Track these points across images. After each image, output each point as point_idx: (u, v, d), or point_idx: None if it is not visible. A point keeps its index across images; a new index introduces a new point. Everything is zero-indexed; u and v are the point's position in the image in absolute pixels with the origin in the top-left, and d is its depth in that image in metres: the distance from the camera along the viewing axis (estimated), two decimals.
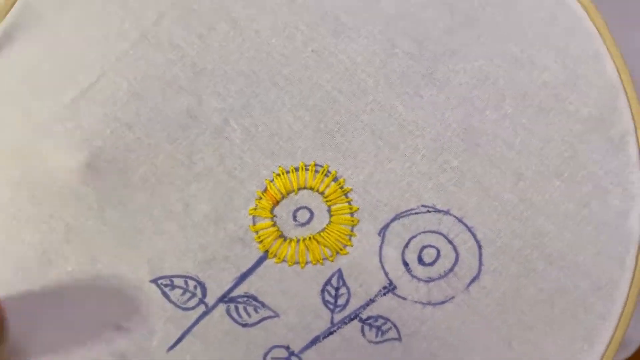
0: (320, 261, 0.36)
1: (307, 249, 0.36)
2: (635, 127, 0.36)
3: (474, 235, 0.36)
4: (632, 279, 0.36)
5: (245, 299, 0.36)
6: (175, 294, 0.36)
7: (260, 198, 0.36)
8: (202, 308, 0.36)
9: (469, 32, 0.36)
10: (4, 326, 0.35)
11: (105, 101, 0.36)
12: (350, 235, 0.36)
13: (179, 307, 0.36)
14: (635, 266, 0.36)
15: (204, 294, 0.36)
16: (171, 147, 0.36)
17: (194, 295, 0.36)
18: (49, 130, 0.37)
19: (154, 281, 0.36)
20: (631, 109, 0.36)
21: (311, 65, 0.36)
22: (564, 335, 0.36)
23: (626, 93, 0.37)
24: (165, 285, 0.36)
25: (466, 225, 0.36)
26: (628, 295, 0.36)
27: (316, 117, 0.36)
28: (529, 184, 0.36)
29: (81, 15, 0.37)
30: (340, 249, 0.36)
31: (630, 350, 0.42)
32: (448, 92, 0.36)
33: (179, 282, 0.36)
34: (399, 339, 0.36)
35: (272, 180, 0.36)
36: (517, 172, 0.36)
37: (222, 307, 0.36)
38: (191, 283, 0.36)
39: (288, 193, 0.36)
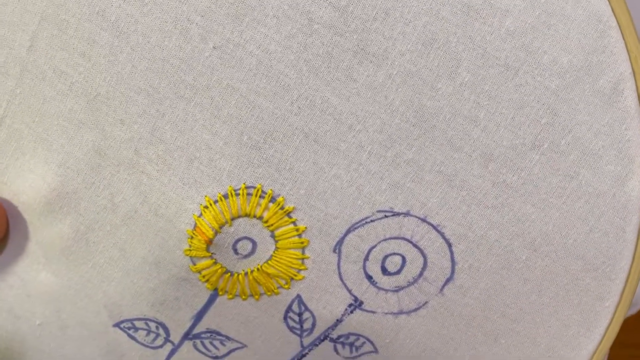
0: (276, 291, 0.21)
1: (258, 282, 0.20)
2: (633, 70, 0.17)
3: (442, 234, 0.20)
4: (635, 252, 0.19)
5: (208, 334, 0.22)
6: (140, 335, 0.23)
7: (192, 237, 0.20)
8: (169, 346, 0.23)
9: None
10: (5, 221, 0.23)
11: (15, 152, 0.22)
12: (303, 259, 0.20)
13: (147, 346, 0.22)
14: (638, 237, 0.19)
15: (168, 333, 0.22)
16: (89, 192, 0.20)
17: (157, 335, 0.23)
18: None
19: (117, 325, 0.23)
20: (627, 47, 0.17)
21: (217, 65, 0.19)
22: (556, 322, 0.21)
23: (619, 25, 0.17)
24: (129, 328, 0.23)
25: (431, 224, 0.20)
26: (630, 270, 0.19)
27: (236, 128, 0.19)
28: (502, 164, 0.19)
29: None
30: (295, 275, 0.21)
31: (634, 309, 0.26)
32: (388, 68, 0.18)
33: (140, 324, 0.23)
34: (375, 351, 0.22)
35: (200, 215, 0.19)
36: (485, 152, 0.19)
37: (188, 343, 0.23)
38: (152, 324, 0.23)
39: (221, 226, 0.20)
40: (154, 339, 0.24)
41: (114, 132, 0.21)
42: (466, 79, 0.20)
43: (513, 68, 0.20)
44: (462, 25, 0.20)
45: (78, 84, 0.21)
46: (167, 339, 0.24)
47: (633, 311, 0.28)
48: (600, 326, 0.22)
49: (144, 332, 0.24)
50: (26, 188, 0.22)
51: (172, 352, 0.24)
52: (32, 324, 0.25)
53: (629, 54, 0.20)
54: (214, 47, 0.20)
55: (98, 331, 0.24)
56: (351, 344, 0.23)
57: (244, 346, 0.24)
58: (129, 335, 0.24)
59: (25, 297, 0.24)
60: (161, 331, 0.24)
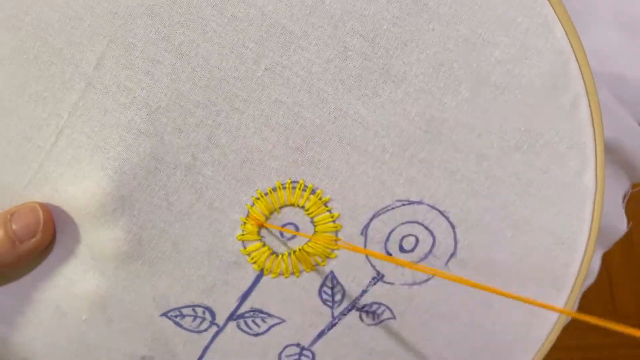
0: (313, 268, 0.26)
1: (299, 261, 0.25)
2: (587, 90, 0.24)
3: (447, 218, 0.26)
4: (590, 229, 0.26)
5: (251, 313, 0.26)
6: (186, 322, 0.26)
7: (245, 223, 0.24)
8: (214, 328, 0.26)
9: (417, 19, 0.24)
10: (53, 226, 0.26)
11: (71, 161, 0.23)
12: (336, 240, 0.25)
13: (192, 331, 0.25)
14: (592, 218, 0.26)
15: (213, 317, 0.26)
16: (144, 194, 0.23)
17: (204, 319, 0.26)
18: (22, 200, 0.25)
19: (164, 314, 0.26)
20: (582, 73, 0.24)
21: (267, 83, 0.23)
22: (535, 286, 0.27)
23: (576, 57, 0.24)
24: (176, 316, 0.26)
25: (439, 211, 0.26)
26: (588, 241, 0.26)
27: (283, 134, 0.24)
28: (492, 162, 0.25)
29: (15, 72, 0.24)
30: (330, 254, 0.25)
31: (592, 279, 0.33)
32: (406, 86, 0.24)
33: (187, 311, 0.26)
34: (394, 317, 0.27)
35: (252, 205, 0.24)
36: (480, 153, 0.25)
37: (232, 324, 0.26)
38: (199, 310, 0.26)
39: (271, 213, 0.25)
40: (200, 324, 0.28)
41: (172, 140, 0.25)
42: (466, 96, 0.26)
43: (501, 87, 0.26)
44: (462, 54, 0.26)
45: (140, 98, 0.25)
46: (212, 322, 0.28)
47: (591, 280, 0.35)
48: (567, 287, 0.29)
49: (191, 318, 0.28)
50: (79, 194, 0.25)
51: (217, 334, 0.28)
52: (78, 319, 0.27)
53: (583, 78, 0.26)
54: (265, 69, 0.25)
55: (144, 323, 0.27)
56: (374, 312, 0.28)
57: (283, 321, 0.28)
58: (176, 323, 0.28)
59: (71, 295, 0.26)
60: (207, 315, 0.28)
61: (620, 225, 0.34)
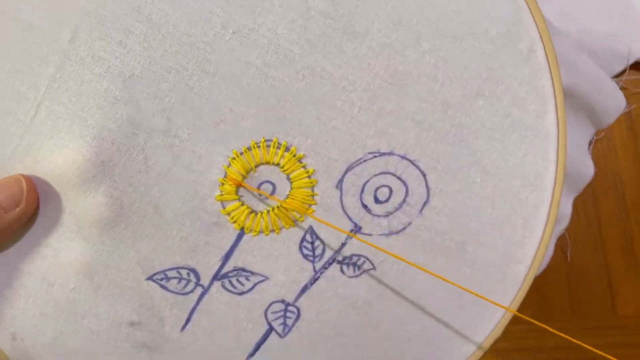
0: (292, 224, 0.27)
1: (278, 217, 0.26)
2: (541, 36, 0.26)
3: (418, 167, 0.27)
4: (556, 169, 0.27)
5: (235, 272, 0.27)
6: (172, 284, 0.26)
7: (223, 184, 0.25)
8: (199, 289, 0.27)
9: None
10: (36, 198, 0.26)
11: (51, 131, 0.24)
12: (313, 195, 0.26)
13: (178, 293, 0.26)
14: (557, 159, 0.27)
15: (198, 278, 0.26)
16: (123, 159, 0.24)
17: (189, 281, 0.26)
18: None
19: (150, 278, 0.26)
20: (534, 20, 0.26)
21: (236, 46, 0.25)
22: (508, 229, 0.28)
23: (528, 5, 0.26)
24: (161, 279, 0.26)
25: (409, 160, 0.27)
26: (555, 182, 0.27)
27: (254, 94, 0.25)
28: (457, 110, 0.26)
29: None
30: (307, 209, 0.26)
31: (565, 223, 0.34)
32: (369, 41, 0.25)
33: (172, 273, 0.26)
34: (374, 268, 0.28)
35: (229, 165, 0.25)
36: (444, 101, 0.26)
37: (217, 284, 0.27)
38: (183, 272, 0.26)
39: (247, 172, 0.26)
40: (185, 285, 0.29)
41: (148, 105, 0.26)
42: (426, 48, 0.27)
43: (458, 38, 0.28)
44: (419, 8, 0.27)
45: (114, 67, 0.26)
46: (197, 284, 0.29)
47: (564, 224, 0.36)
48: (538, 227, 0.30)
49: (176, 281, 0.29)
50: (60, 163, 0.26)
51: (202, 295, 0.29)
52: (66, 289, 0.28)
53: (537, 25, 0.28)
54: (233, 32, 0.26)
55: (131, 287, 0.28)
56: (354, 264, 0.29)
57: (267, 278, 0.29)
58: (161, 286, 0.28)
59: (58, 265, 0.27)
60: (192, 277, 0.29)
61: (588, 170, 0.35)
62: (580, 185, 0.36)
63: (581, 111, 0.34)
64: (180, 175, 0.27)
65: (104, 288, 0.28)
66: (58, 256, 0.27)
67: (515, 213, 0.29)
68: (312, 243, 0.29)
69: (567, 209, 0.36)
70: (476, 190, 0.29)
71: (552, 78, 0.28)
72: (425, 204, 0.29)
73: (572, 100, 0.34)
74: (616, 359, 0.27)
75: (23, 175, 0.26)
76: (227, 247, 0.28)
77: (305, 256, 0.29)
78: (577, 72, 0.33)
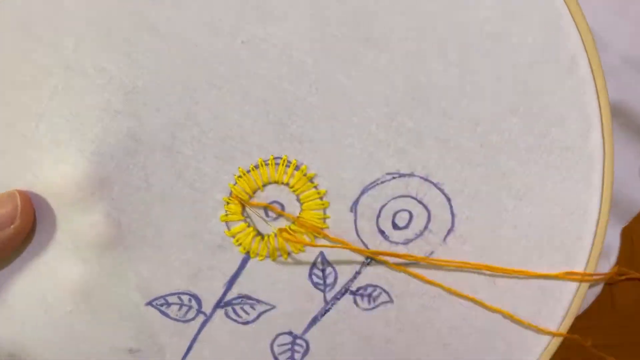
0: (302, 249, 0.24)
1: (286, 241, 0.24)
2: (584, 46, 0.23)
3: (442, 190, 0.24)
4: (601, 196, 0.24)
5: (239, 299, 0.25)
6: (172, 310, 0.24)
7: (228, 203, 0.23)
8: (201, 317, 0.25)
9: None
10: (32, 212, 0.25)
11: (50, 145, 0.24)
12: (325, 218, 0.24)
13: (179, 320, 0.24)
14: (603, 184, 0.24)
15: (200, 305, 0.24)
16: (123, 175, 0.22)
17: (190, 307, 0.24)
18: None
19: (149, 303, 0.25)
20: (578, 28, 0.23)
21: (245, 57, 0.23)
22: (544, 263, 0.24)
23: (570, 12, 0.23)
24: (161, 305, 0.25)
25: (432, 183, 0.24)
26: (600, 211, 0.24)
27: (263, 109, 0.23)
28: (487, 128, 0.23)
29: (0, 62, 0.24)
30: (318, 233, 0.24)
31: (613, 258, 0.30)
32: (389, 51, 0.23)
33: (173, 299, 0.24)
34: (391, 300, 0.25)
35: (235, 184, 0.23)
36: (473, 118, 0.23)
37: (220, 312, 0.25)
38: (185, 297, 0.24)
39: (254, 192, 0.23)
40: (186, 312, 0.27)
41: (150, 119, 0.25)
42: (453, 59, 0.25)
43: (490, 48, 0.25)
44: (447, 15, 0.25)
45: (117, 79, 0.24)
46: (199, 311, 0.27)
47: (613, 258, 0.32)
48: (580, 262, 0.26)
49: (177, 307, 0.27)
50: (58, 179, 0.24)
51: (204, 323, 0.27)
52: (64, 311, 0.26)
53: (580, 34, 0.25)
54: (242, 42, 0.25)
55: (130, 313, 0.26)
56: (369, 295, 0.27)
57: (273, 307, 0.27)
58: (161, 312, 0.27)
59: (56, 285, 0.26)
60: (194, 303, 0.27)
61: (638, 196, 0.31)
62: (630, 213, 0.32)
63: (630, 130, 0.31)
64: (182, 194, 0.25)
65: (102, 311, 0.26)
66: (56, 276, 0.26)
67: (553, 245, 0.26)
68: (323, 270, 0.26)
69: (614, 240, 0.32)
70: (508, 218, 0.26)
71: (597, 93, 0.25)
72: (449, 231, 0.26)
73: (620, 118, 0.30)
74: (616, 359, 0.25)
75: (19, 191, 0.25)
76: (231, 273, 0.26)
77: (315, 285, 0.27)
78: (625, 87, 0.30)
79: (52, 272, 0.26)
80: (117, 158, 0.25)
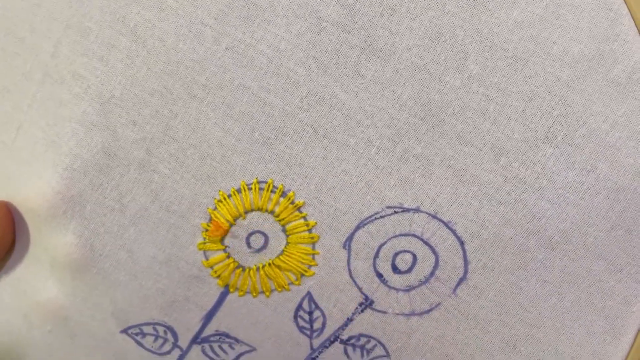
0: (286, 287, 0.21)
1: (269, 277, 0.21)
2: None
3: (453, 231, 0.20)
4: None
5: (218, 337, 0.22)
6: (148, 341, 0.23)
7: (207, 230, 0.21)
8: (177, 351, 0.23)
9: None
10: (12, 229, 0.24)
11: (29, 158, 0.23)
12: (313, 254, 0.20)
13: (155, 352, 0.22)
14: None
15: (176, 338, 0.22)
16: (96, 194, 0.21)
17: (166, 340, 0.22)
18: None
19: (124, 331, 0.23)
20: None
21: (229, 65, 0.20)
22: (580, 329, 0.20)
23: (631, 12, 0.17)
24: (137, 334, 0.23)
25: (442, 221, 0.20)
26: None
27: (247, 126, 0.20)
28: (514, 158, 0.19)
29: None
30: (305, 271, 0.21)
31: None
32: (395, 62, 0.19)
33: (148, 329, 0.23)
34: (387, 355, 0.21)
35: (215, 209, 0.20)
36: (496, 145, 0.19)
37: (197, 348, 0.23)
38: (160, 329, 0.23)
39: (235, 219, 0.21)
40: (162, 345, 0.25)
41: (126, 133, 0.23)
42: (474, 72, 0.20)
43: (522, 59, 0.20)
44: (468, 19, 0.20)
45: (94, 87, 0.22)
46: (175, 344, 0.25)
47: None
48: (628, 333, 0.21)
49: (152, 338, 0.25)
50: (32, 194, 0.23)
51: (180, 358, 0.25)
52: (44, 330, 0.25)
53: None
54: (226, 48, 0.22)
55: (105, 340, 0.25)
56: (362, 347, 0.23)
57: (253, 349, 0.24)
58: (137, 342, 0.25)
59: (36, 303, 0.25)
60: (169, 336, 0.24)
61: None
62: None
63: None
64: (158, 217, 0.23)
65: (79, 336, 0.25)
66: (36, 295, 0.25)
67: (593, 309, 0.21)
68: (310, 313, 0.23)
69: None
70: (536, 271, 0.21)
71: None
72: (461, 281, 0.22)
73: None
74: None
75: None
76: (209, 307, 0.24)
77: (300, 328, 0.23)
78: None
79: (33, 290, 0.25)
80: (90, 175, 0.23)
